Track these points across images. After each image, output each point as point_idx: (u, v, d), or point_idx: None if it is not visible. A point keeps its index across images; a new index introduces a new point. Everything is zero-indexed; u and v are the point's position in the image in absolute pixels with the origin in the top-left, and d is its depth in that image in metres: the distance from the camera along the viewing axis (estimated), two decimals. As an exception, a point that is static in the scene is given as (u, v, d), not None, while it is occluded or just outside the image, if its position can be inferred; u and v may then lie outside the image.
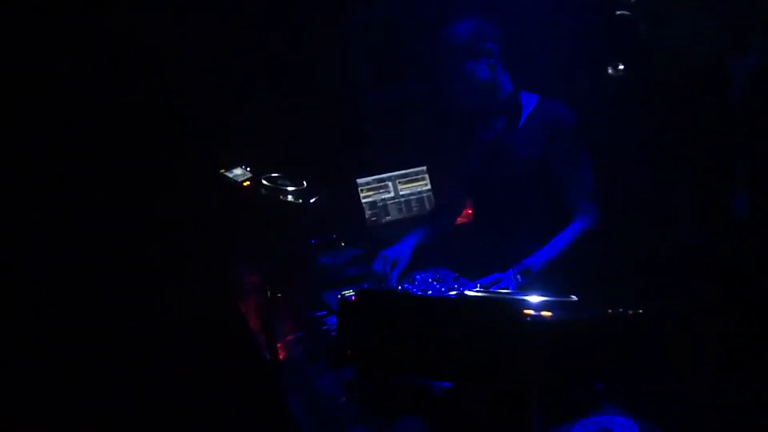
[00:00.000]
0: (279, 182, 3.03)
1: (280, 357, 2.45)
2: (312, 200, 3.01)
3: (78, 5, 3.00)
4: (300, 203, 3.01)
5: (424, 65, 3.53)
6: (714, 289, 2.72)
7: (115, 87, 3.16)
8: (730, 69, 3.06)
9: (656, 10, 3.37)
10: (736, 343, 2.40)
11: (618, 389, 1.83)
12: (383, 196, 3.82)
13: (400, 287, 2.68)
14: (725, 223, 2.94)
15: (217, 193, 3.17)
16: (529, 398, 1.61)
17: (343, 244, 3.37)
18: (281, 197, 2.97)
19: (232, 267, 3.09)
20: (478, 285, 2.49)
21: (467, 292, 1.80)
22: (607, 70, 3.81)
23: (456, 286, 2.62)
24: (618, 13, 3.45)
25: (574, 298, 1.83)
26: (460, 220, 3.24)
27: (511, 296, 1.83)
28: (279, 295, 2.74)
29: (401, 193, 3.84)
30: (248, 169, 3.12)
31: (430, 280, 2.72)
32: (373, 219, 3.78)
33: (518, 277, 2.45)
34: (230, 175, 3.08)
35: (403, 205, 3.82)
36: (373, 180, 3.82)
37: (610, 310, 1.73)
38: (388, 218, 3.81)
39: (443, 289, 2.60)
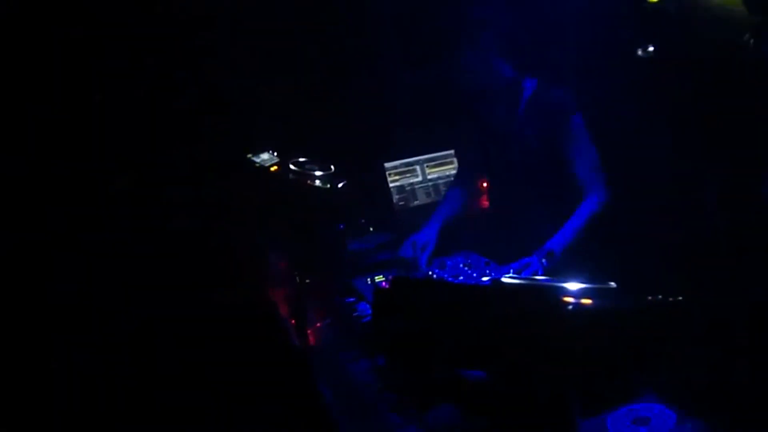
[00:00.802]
0: (306, 167, 3.01)
1: (311, 343, 2.44)
2: (340, 185, 2.99)
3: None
4: (328, 188, 2.99)
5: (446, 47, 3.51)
6: (749, 277, 2.67)
7: (144, 74, 3.15)
8: (763, 52, 2.99)
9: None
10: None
11: (657, 378, 1.80)
12: (411, 181, 3.78)
13: (431, 273, 2.66)
14: (757, 209, 2.89)
15: (245, 178, 3.16)
16: (568, 387, 1.59)
17: (371, 229, 3.35)
18: (309, 182, 2.96)
19: (261, 253, 3.08)
20: (511, 270, 2.47)
21: (503, 279, 1.76)
22: (636, 53, 3.74)
23: (488, 271, 2.60)
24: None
25: (613, 284, 1.79)
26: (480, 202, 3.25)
27: (549, 283, 1.79)
28: (308, 281, 2.72)
29: (429, 177, 3.80)
30: (275, 154, 3.11)
31: (461, 265, 2.70)
32: (401, 203, 3.75)
33: (543, 261, 2.47)
34: (257, 160, 3.06)
35: (431, 189, 3.78)
36: (401, 164, 3.78)
37: (650, 297, 1.69)
38: (416, 203, 3.77)
39: (475, 275, 2.58)
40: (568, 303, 1.55)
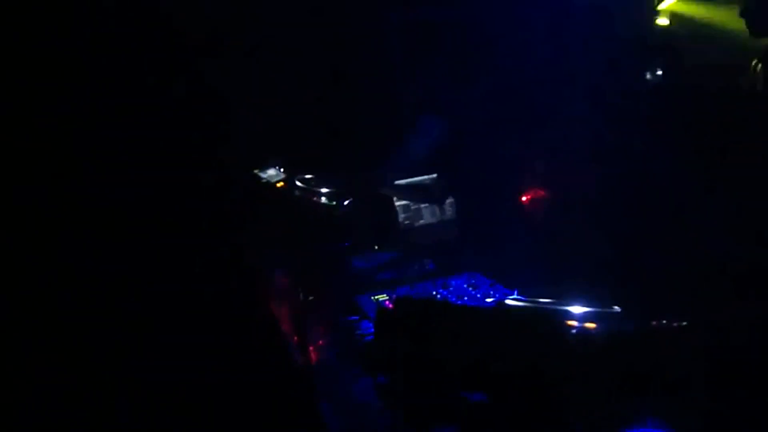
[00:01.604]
0: (312, 183, 3.01)
1: (312, 361, 2.43)
2: (345, 203, 2.99)
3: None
4: (333, 205, 2.99)
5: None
6: (758, 300, 2.65)
7: (150, 86, 3.16)
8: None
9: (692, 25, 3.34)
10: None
11: (660, 403, 1.78)
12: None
13: (435, 293, 2.65)
14: (763, 233, 2.87)
15: (251, 193, 3.16)
16: (570, 411, 1.57)
17: (376, 247, 3.34)
18: (315, 199, 2.96)
19: (265, 269, 3.08)
20: (515, 292, 2.46)
21: (507, 301, 1.76)
22: (645, 76, 3.76)
23: (492, 292, 2.59)
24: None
25: (617, 308, 1.78)
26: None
27: (553, 306, 1.78)
28: (311, 298, 2.71)
29: (435, 196, 3.79)
30: (282, 170, 3.11)
31: (465, 286, 2.69)
32: (406, 223, 3.74)
33: None
34: (264, 175, 3.06)
35: (437, 209, 3.77)
36: (407, 183, 3.78)
37: (654, 322, 1.69)
38: (421, 222, 3.76)
39: (479, 296, 2.57)
40: (572, 326, 1.54)
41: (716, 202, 3.10)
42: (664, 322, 1.69)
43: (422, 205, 3.68)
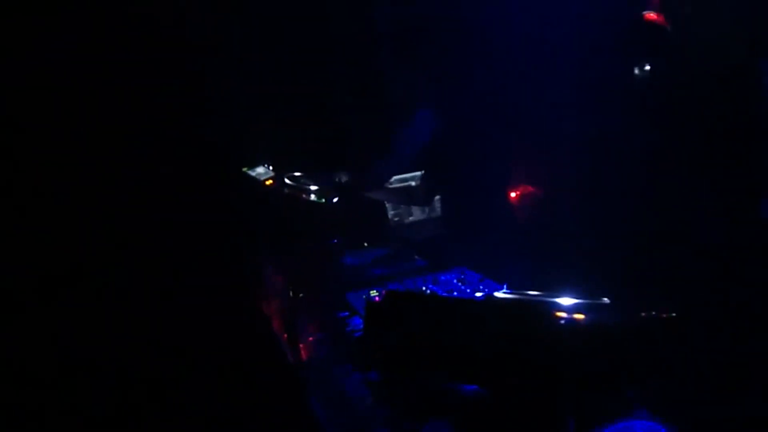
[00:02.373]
0: (302, 181, 3.01)
1: (303, 358, 2.43)
2: (335, 200, 2.99)
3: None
4: (323, 202, 2.98)
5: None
6: (745, 292, 2.67)
7: (141, 83, 3.15)
8: (760, 69, 3.01)
9: (685, 10, 3.33)
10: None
11: (649, 394, 1.79)
12: (406, 196, 3.78)
13: (424, 288, 2.65)
14: (754, 224, 2.89)
15: (240, 191, 3.15)
16: (561, 403, 1.58)
17: (366, 244, 3.34)
18: (304, 196, 2.95)
19: (254, 267, 3.07)
20: (505, 286, 2.46)
21: (496, 294, 1.76)
22: (633, 71, 3.76)
23: (481, 287, 2.59)
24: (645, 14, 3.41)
25: (606, 300, 1.79)
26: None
27: (542, 298, 1.79)
28: (302, 295, 2.71)
29: (424, 193, 3.80)
30: (271, 167, 3.11)
31: (455, 281, 2.69)
32: (395, 219, 3.74)
33: None
34: (253, 173, 3.06)
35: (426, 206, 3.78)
36: (397, 180, 3.78)
37: (643, 314, 1.69)
38: (410, 218, 3.77)
39: (468, 291, 2.57)
40: (562, 318, 1.55)
41: (705, 193, 3.12)
42: (653, 313, 1.69)
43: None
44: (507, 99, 3.06)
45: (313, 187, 2.99)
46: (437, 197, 3.68)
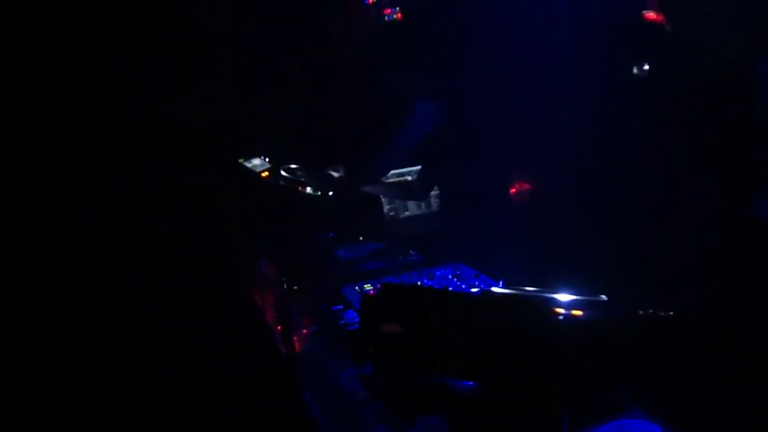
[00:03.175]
0: (297, 173, 2.99)
1: (297, 350, 2.41)
2: (330, 193, 2.97)
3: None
4: (318, 195, 2.97)
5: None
6: (741, 292, 2.67)
7: (138, 80, 3.13)
8: (757, 69, 3.00)
9: (683, 10, 3.32)
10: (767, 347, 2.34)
11: (646, 393, 1.78)
12: (402, 190, 3.76)
13: (419, 283, 2.64)
14: (750, 225, 2.89)
15: (235, 183, 3.14)
16: (556, 400, 1.57)
17: (361, 238, 3.33)
18: (299, 189, 2.94)
19: (249, 259, 3.05)
20: (501, 282, 2.45)
21: (493, 289, 1.74)
22: (632, 71, 3.75)
23: (477, 283, 2.58)
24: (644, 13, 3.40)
25: (604, 297, 1.78)
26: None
27: (540, 294, 1.77)
28: (296, 288, 2.69)
29: (420, 187, 3.77)
30: (267, 159, 3.09)
31: (450, 276, 2.68)
32: (391, 214, 3.73)
33: None
34: (249, 165, 3.04)
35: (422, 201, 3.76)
36: (392, 174, 3.76)
37: (641, 311, 1.68)
38: (406, 213, 3.75)
39: (464, 286, 2.56)
40: (559, 314, 1.54)
41: (704, 195, 3.11)
42: (651, 310, 1.68)
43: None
44: (505, 96, 3.05)
45: (309, 180, 2.97)
46: (433, 192, 3.67)
